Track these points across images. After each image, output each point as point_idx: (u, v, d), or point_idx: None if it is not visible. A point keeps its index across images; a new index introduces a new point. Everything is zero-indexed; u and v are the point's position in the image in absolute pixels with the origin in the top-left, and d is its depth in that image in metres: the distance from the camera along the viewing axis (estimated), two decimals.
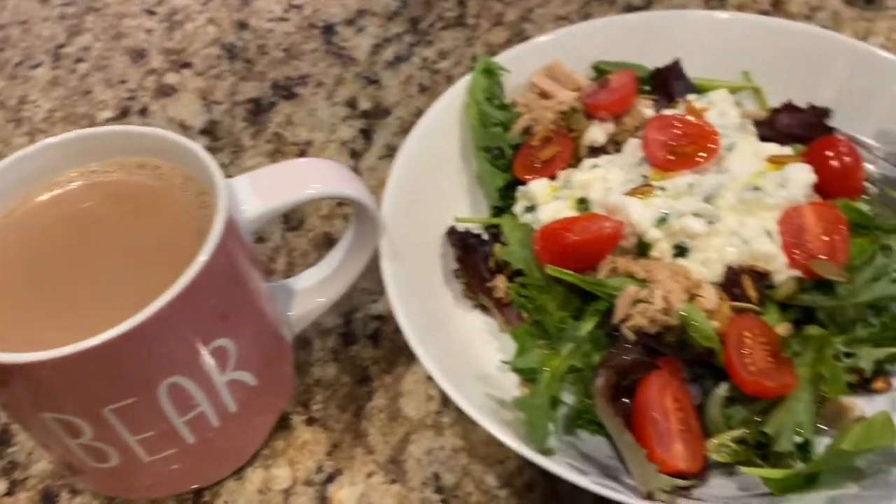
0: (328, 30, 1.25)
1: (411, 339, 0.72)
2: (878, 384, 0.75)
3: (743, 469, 0.68)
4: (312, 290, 0.79)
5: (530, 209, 0.85)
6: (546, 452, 0.67)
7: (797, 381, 0.68)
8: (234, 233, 0.66)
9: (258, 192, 0.69)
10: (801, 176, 0.79)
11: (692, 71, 0.95)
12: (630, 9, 1.21)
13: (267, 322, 0.73)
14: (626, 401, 0.70)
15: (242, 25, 1.27)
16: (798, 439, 0.68)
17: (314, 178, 0.71)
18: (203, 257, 0.60)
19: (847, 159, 0.84)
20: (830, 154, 0.84)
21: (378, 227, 0.76)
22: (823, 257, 0.74)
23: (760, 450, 0.70)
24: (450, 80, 1.15)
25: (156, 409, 0.64)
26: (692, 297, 0.72)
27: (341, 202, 1.00)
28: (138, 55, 1.25)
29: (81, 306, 0.64)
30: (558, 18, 1.22)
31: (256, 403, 0.74)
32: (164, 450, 0.68)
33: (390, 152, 1.05)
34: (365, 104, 1.14)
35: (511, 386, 0.78)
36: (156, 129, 0.72)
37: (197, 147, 0.69)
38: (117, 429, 0.63)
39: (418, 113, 0.94)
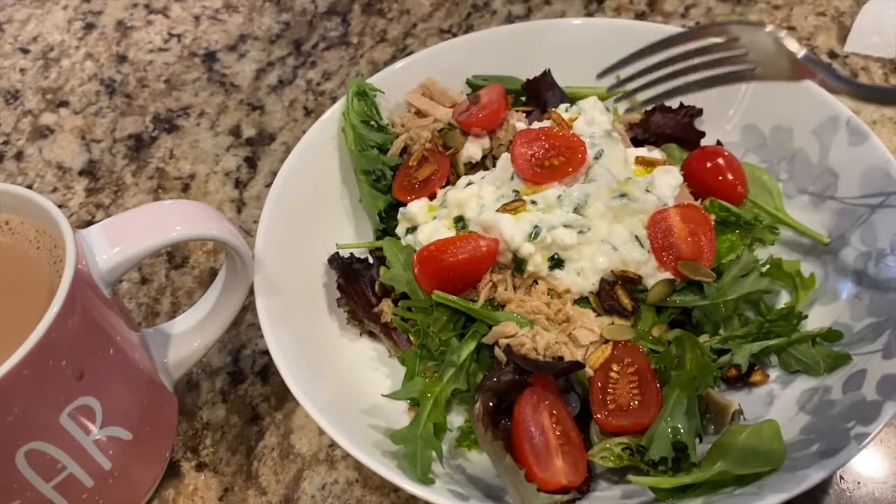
0: (210, 57, 1.22)
1: (288, 380, 0.71)
2: (756, 377, 0.77)
3: (632, 478, 0.69)
4: (189, 334, 0.78)
5: (412, 230, 0.85)
6: (428, 481, 0.67)
7: (657, 409, 0.69)
8: (88, 287, 0.64)
9: (114, 240, 0.67)
10: (667, 179, 0.80)
11: (570, 78, 0.96)
12: (510, 18, 1.22)
13: (138, 373, 0.71)
14: (508, 422, 0.70)
15: (122, 58, 1.24)
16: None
17: (174, 221, 0.70)
18: (46, 321, 0.58)
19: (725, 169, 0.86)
20: (709, 164, 0.86)
21: (248, 265, 0.75)
22: (691, 258, 0.75)
23: (644, 454, 0.71)
24: (334, 101, 1.13)
25: (16, 478, 0.61)
26: (569, 335, 0.73)
27: None
28: (12, 96, 1.20)
29: None
30: (441, 32, 1.22)
31: (135, 457, 0.72)
32: None
33: None
34: (249, 132, 1.12)
35: (400, 412, 0.78)
36: (2, 184, 0.69)
37: (44, 200, 0.66)
38: None
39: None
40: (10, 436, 0.59)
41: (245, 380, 0.86)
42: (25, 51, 1.27)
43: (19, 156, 1.12)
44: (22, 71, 1.24)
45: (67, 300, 0.60)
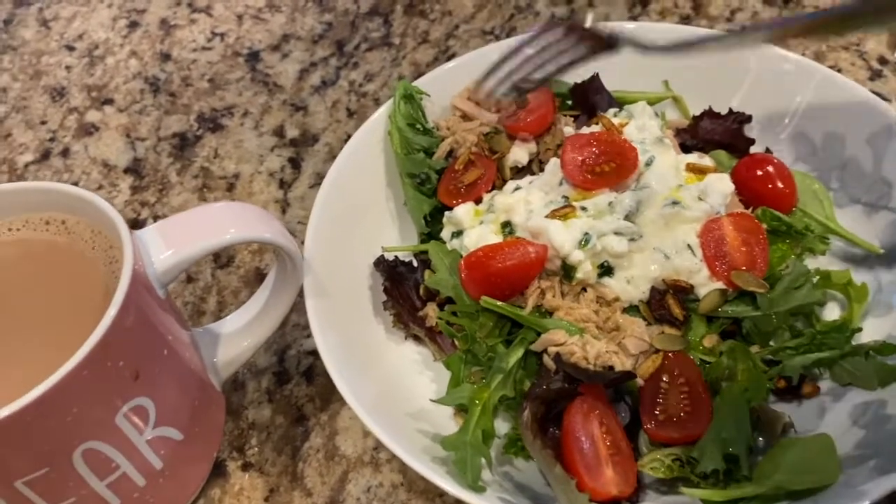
0: (253, 57, 1.23)
1: (338, 382, 0.71)
2: (807, 389, 0.76)
3: (683, 490, 0.68)
4: (238, 334, 0.78)
5: (457, 234, 0.85)
6: (479, 489, 0.66)
7: (708, 421, 0.68)
8: (144, 288, 0.65)
9: (169, 242, 0.68)
10: (720, 186, 0.79)
11: (616, 82, 0.95)
12: (554, 21, 1.21)
13: (189, 374, 0.71)
14: (556, 430, 0.70)
15: (165, 57, 1.25)
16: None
17: (228, 223, 0.70)
18: (106, 321, 0.58)
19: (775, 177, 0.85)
20: (759, 172, 0.85)
21: (299, 267, 0.75)
22: (744, 268, 0.75)
23: (694, 465, 0.70)
24: (377, 102, 1.14)
25: (72, 476, 0.62)
26: (619, 344, 0.72)
27: None
28: (58, 93, 1.22)
29: None
30: (484, 34, 1.22)
31: (185, 457, 0.72)
32: None
33: (320, 181, 1.03)
34: (292, 132, 1.12)
35: (446, 417, 0.78)
36: (60, 184, 0.70)
37: (101, 201, 0.67)
38: (33, 501, 0.61)
39: (346, 138, 0.93)
40: (68, 435, 0.60)
41: (290, 380, 0.86)
42: (71, 48, 1.28)
43: (65, 153, 1.14)
44: (68, 68, 1.25)
45: (125, 301, 0.60)
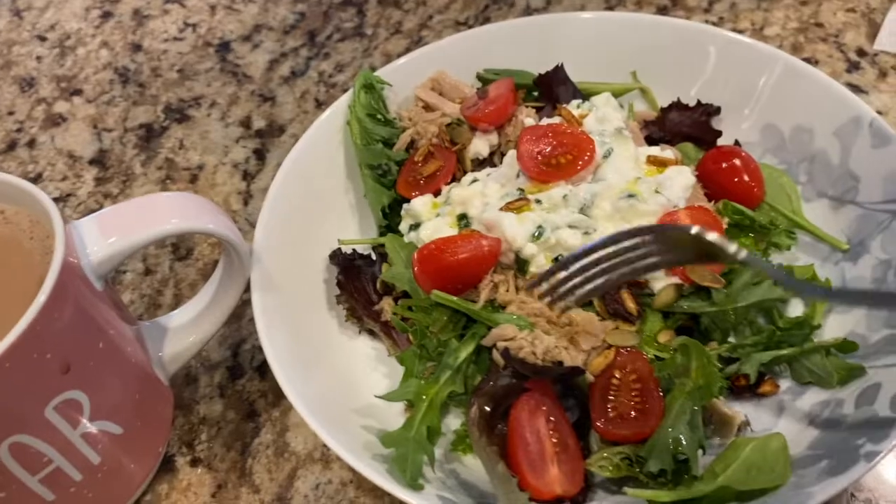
0: (224, 47, 1.21)
1: (280, 378, 0.69)
2: (766, 387, 0.74)
3: (628, 490, 0.66)
4: (185, 329, 0.76)
5: (415, 227, 0.83)
6: (418, 487, 0.65)
7: (659, 419, 0.67)
8: (78, 279, 0.63)
9: (107, 232, 0.66)
10: (679, 179, 0.77)
11: (584, 73, 0.93)
12: (529, 11, 1.19)
13: (130, 367, 0.70)
14: (504, 427, 0.68)
15: (136, 48, 1.24)
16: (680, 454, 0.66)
17: (169, 214, 0.68)
18: (30, 314, 0.57)
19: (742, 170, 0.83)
20: (725, 165, 0.83)
21: (245, 260, 0.73)
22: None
23: (643, 465, 0.68)
24: (346, 93, 1.12)
25: (0, 471, 0.61)
26: (571, 339, 0.70)
27: None
28: (27, 84, 1.20)
29: None
30: (457, 24, 1.20)
31: (126, 451, 0.71)
32: None
33: None
34: (259, 123, 1.11)
35: (396, 414, 0.76)
36: None
37: (37, 191, 0.66)
38: None
39: None
40: None
41: (243, 375, 0.85)
42: (43, 38, 1.27)
43: (31, 143, 1.12)
44: (38, 58, 1.24)
45: (54, 292, 0.59)
